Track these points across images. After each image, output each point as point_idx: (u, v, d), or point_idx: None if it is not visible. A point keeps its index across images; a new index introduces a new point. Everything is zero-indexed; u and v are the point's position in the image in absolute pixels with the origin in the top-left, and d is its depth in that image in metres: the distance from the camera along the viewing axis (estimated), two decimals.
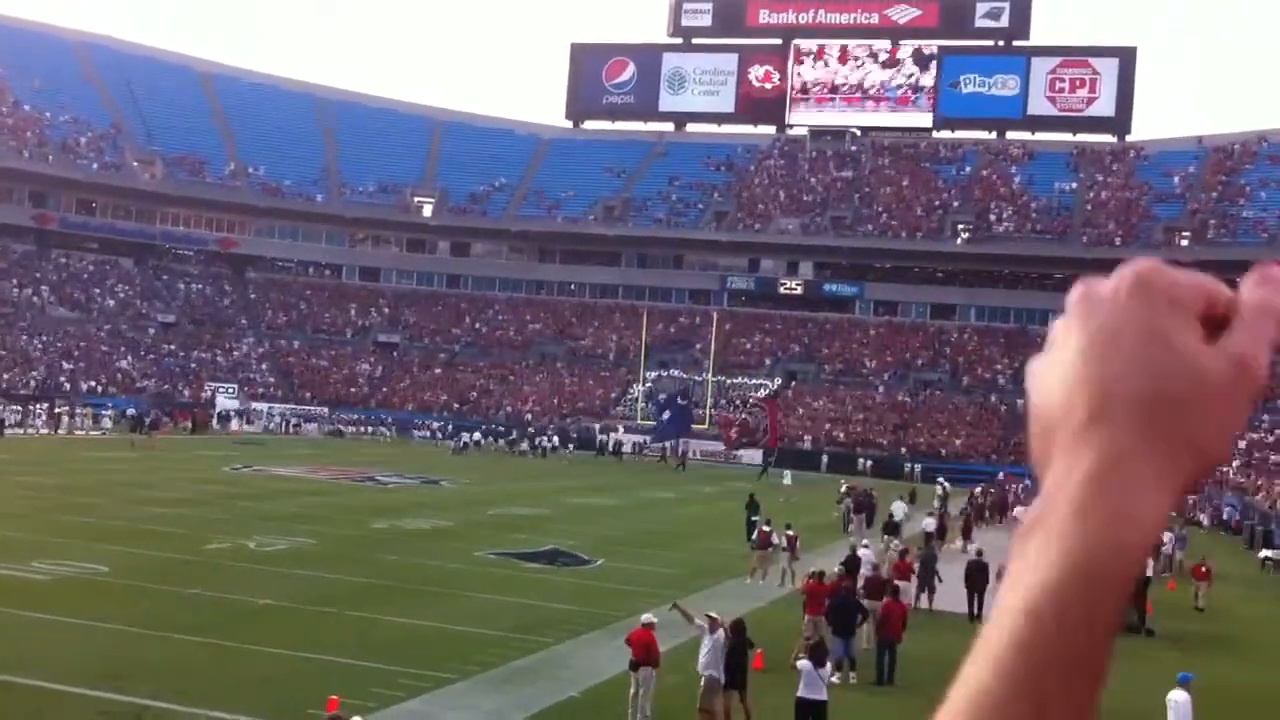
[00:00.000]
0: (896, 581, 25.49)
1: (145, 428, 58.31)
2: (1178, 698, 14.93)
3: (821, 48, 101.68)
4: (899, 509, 38.87)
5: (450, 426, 77.51)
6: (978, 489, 53.21)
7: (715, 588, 27.24)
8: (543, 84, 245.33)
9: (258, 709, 14.86)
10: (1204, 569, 29.78)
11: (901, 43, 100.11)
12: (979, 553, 26.75)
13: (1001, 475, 65.16)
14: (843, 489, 49.79)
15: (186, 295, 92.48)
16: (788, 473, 59.03)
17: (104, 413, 67.59)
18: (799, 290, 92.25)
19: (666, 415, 71.92)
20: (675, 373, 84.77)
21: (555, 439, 73.82)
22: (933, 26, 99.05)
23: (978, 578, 25.47)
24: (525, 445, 71.51)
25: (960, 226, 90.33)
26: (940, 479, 56.38)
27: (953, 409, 79.45)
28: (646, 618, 16.55)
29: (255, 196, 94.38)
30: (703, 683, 15.27)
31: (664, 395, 77.10)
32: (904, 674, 19.32)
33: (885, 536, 34.52)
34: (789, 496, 48.44)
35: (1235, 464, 65.46)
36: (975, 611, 25.53)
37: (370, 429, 77.89)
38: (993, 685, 0.82)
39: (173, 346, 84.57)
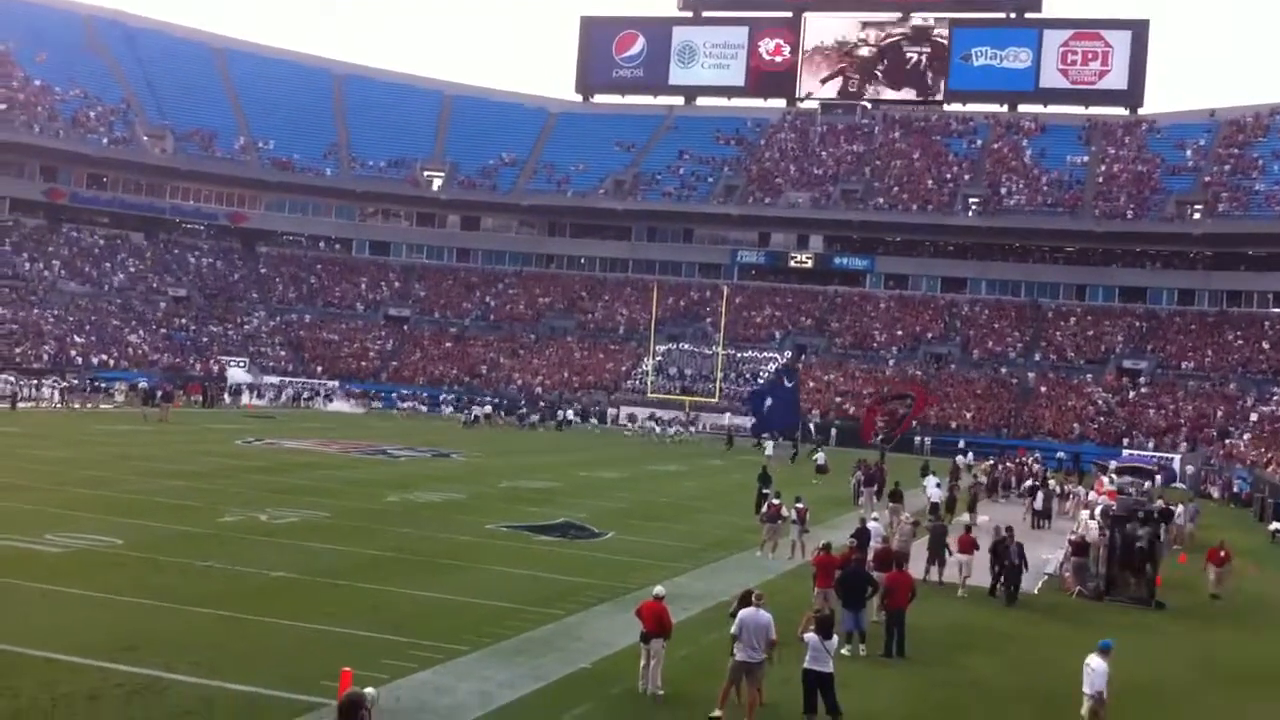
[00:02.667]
0: (960, 555, 25.54)
1: (157, 400, 58.49)
2: (1096, 664, 14.95)
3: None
4: (932, 487, 38.60)
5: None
6: (988, 462, 53.41)
7: (725, 560, 27.33)
8: (553, 57, 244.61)
9: (270, 680, 14.95)
10: (1222, 554, 27.77)
11: (913, 15, 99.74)
12: (1009, 530, 26.35)
13: (961, 445, 65.35)
14: (819, 460, 50.17)
15: (197, 269, 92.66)
16: (769, 443, 59.23)
17: (115, 386, 67.92)
18: (809, 264, 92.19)
19: (769, 403, 61.97)
20: (685, 346, 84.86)
21: (571, 413, 74.25)
22: None
23: (1000, 552, 25.20)
24: (535, 418, 71.79)
25: (971, 200, 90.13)
26: (967, 455, 56.52)
27: (963, 382, 79.38)
28: (658, 590, 16.61)
29: (265, 171, 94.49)
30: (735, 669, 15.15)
31: (764, 378, 75.23)
32: (914, 646, 19.38)
33: (891, 504, 34.58)
34: (769, 466, 48.27)
35: (1246, 437, 65.44)
36: (996, 586, 25.24)
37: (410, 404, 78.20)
38: None
39: (184, 320, 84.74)
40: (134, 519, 26.25)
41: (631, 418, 76.45)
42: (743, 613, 15.25)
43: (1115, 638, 21.58)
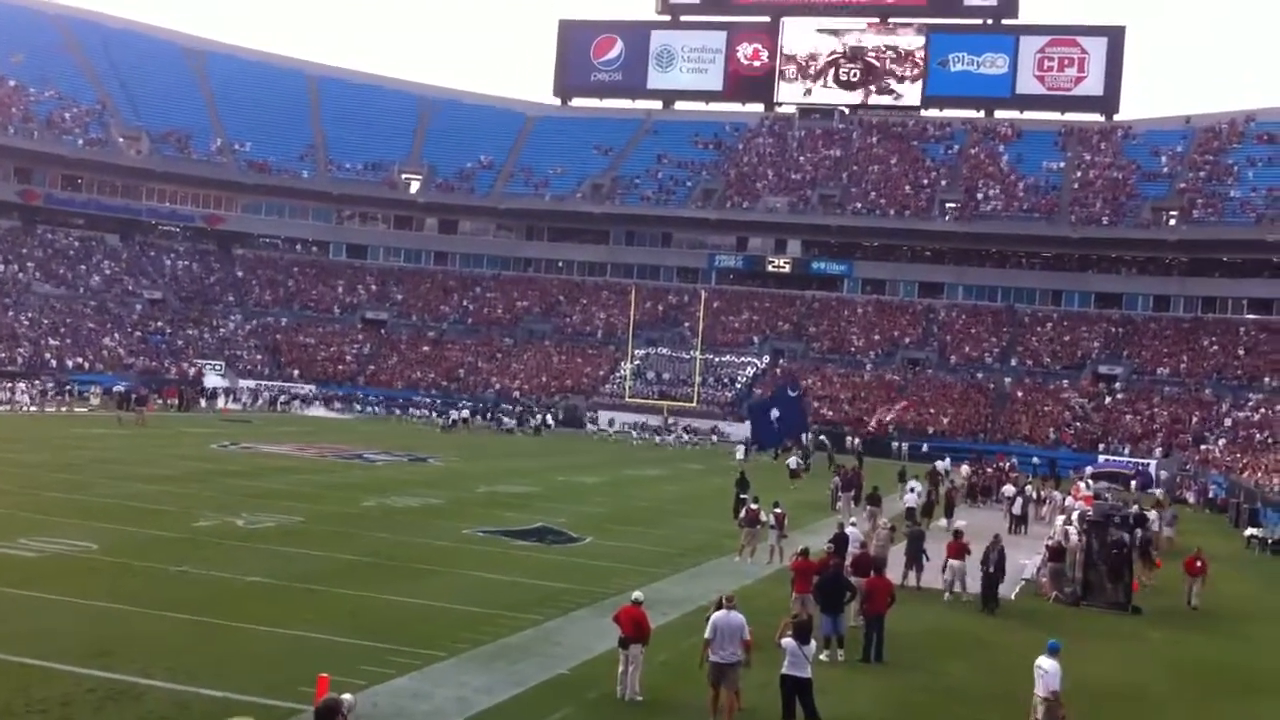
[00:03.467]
0: (951, 561, 25.48)
1: (133, 404, 58.17)
2: (1047, 665, 15.00)
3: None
4: (909, 492, 38.66)
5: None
6: (964, 468, 53.55)
7: (704, 565, 27.31)
8: (531, 61, 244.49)
9: (247, 686, 14.86)
10: (1199, 563, 27.00)
11: (890, 20, 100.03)
12: (996, 536, 26.23)
13: (925, 449, 65.74)
14: (792, 464, 50.39)
15: (173, 272, 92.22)
16: (740, 446, 59.28)
17: (90, 389, 67.55)
18: (787, 268, 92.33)
19: (775, 414, 62.10)
20: (663, 350, 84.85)
21: (548, 417, 73.97)
22: (922, 4, 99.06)
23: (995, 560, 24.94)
24: (512, 423, 71.63)
25: (948, 205, 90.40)
26: (945, 460, 56.63)
27: (940, 387, 79.57)
28: (636, 595, 16.56)
29: (242, 173, 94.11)
30: (712, 672, 15.11)
31: (767, 389, 74.18)
32: (892, 651, 19.39)
33: (870, 508, 34.66)
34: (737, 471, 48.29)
35: (1221, 443, 65.79)
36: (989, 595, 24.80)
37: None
38: None
39: (159, 323, 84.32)
40: (108, 523, 26.08)
41: (642, 427, 74.53)
42: (715, 615, 15.27)
43: (1092, 643, 21.71)
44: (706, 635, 15.16)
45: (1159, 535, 36.20)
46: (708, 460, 59.55)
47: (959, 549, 25.56)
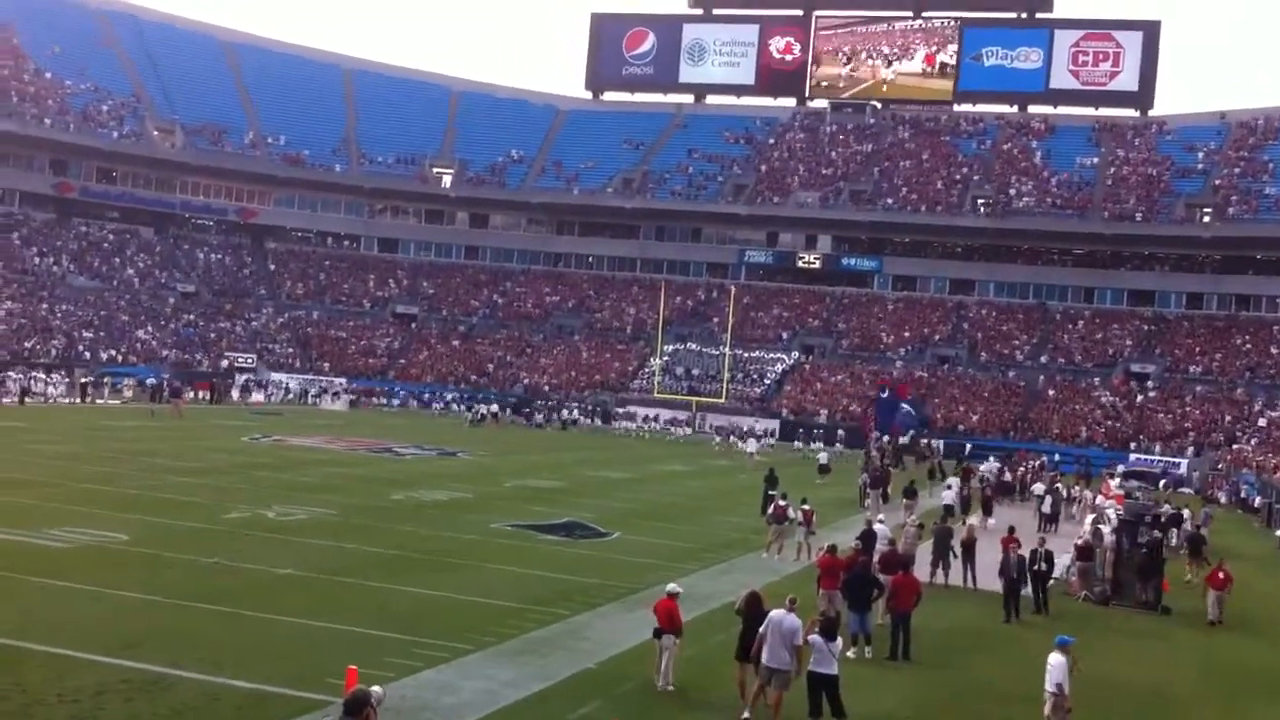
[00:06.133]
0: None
1: (168, 395, 58.54)
2: (1054, 660, 14.97)
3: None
4: (950, 494, 38.60)
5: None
6: (996, 465, 53.26)
7: (732, 561, 27.33)
8: (562, 54, 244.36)
9: (276, 677, 14.96)
10: (1221, 574, 25.15)
11: (924, 14, 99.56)
12: (1041, 542, 26.01)
13: (912, 429, 66.49)
14: (822, 460, 50.09)
15: (206, 265, 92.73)
16: (751, 440, 59.17)
17: (124, 382, 68.02)
18: (817, 264, 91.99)
19: (907, 409, 67.41)
20: (692, 346, 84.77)
21: (575, 411, 73.94)
22: None
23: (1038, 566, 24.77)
24: (540, 417, 71.69)
25: (980, 201, 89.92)
26: (989, 460, 56.20)
27: (971, 384, 79.22)
28: (671, 586, 16.59)
29: (275, 166, 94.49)
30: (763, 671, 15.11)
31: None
32: (919, 649, 19.36)
33: (905, 501, 34.70)
34: (750, 467, 48.28)
35: (1254, 442, 65.25)
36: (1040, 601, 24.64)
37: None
38: None
39: (192, 316, 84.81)
40: (140, 515, 26.30)
41: (743, 436, 68.27)
42: (773, 614, 15.16)
43: (1120, 642, 21.61)
44: (761, 629, 15.14)
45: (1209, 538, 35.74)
46: (735, 457, 59.54)
47: (1010, 545, 25.25)
